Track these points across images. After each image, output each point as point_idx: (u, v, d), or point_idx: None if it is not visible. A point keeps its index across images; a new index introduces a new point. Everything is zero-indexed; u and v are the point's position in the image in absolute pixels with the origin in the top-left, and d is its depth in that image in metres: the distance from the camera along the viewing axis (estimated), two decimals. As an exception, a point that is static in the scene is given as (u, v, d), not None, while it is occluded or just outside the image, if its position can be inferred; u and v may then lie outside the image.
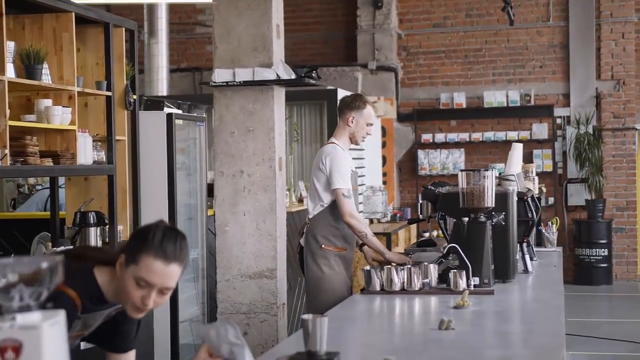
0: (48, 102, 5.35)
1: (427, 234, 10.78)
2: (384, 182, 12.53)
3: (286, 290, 5.94)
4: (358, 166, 10.47)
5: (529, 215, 5.20)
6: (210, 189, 6.83)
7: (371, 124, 5.57)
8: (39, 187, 9.01)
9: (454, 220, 4.70)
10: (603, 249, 12.59)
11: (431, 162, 13.31)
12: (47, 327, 1.84)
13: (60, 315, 1.89)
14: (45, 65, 5.26)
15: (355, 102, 5.56)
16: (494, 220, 4.64)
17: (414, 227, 11.20)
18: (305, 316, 2.87)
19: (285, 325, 5.95)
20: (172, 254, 2.76)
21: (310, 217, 5.53)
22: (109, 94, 5.95)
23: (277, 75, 5.62)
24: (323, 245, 5.43)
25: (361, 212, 10.08)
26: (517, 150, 5.88)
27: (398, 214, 11.08)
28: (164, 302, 2.86)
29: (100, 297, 2.85)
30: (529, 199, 5.24)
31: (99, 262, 2.89)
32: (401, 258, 5.26)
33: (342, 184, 5.32)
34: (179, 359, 6.66)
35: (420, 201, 5.44)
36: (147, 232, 2.79)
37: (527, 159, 12.72)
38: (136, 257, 2.75)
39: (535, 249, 6.04)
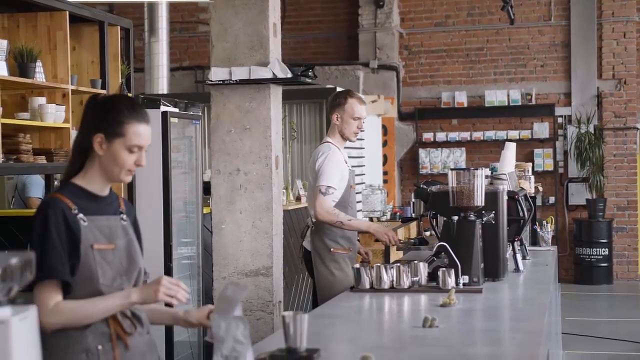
0: (42, 100, 5.38)
1: (428, 233, 10.77)
2: (385, 181, 12.54)
3: (282, 288, 5.94)
4: (358, 164, 10.52)
5: (520, 214, 5.20)
6: (207, 187, 6.85)
7: (358, 118, 5.50)
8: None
9: (444, 218, 4.71)
10: (604, 249, 12.59)
11: (432, 161, 13.31)
12: (16, 322, 1.85)
13: (31, 311, 1.92)
14: (38, 64, 5.29)
15: (336, 99, 5.55)
16: (484, 219, 4.65)
17: (414, 225, 11.21)
18: (285, 313, 2.89)
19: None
20: (146, 115, 3.03)
21: (313, 219, 5.50)
22: (104, 92, 5.98)
23: (274, 73, 5.62)
24: (332, 249, 5.43)
25: (360, 210, 10.13)
26: (510, 150, 5.89)
27: (398, 213, 11.07)
28: None
29: (88, 193, 3.00)
30: (521, 198, 5.24)
31: (71, 176, 3.02)
32: (385, 229, 5.42)
33: (324, 182, 5.33)
34: (173, 356, 6.67)
35: (413, 200, 5.46)
36: (116, 106, 2.99)
37: (528, 158, 12.74)
38: (119, 130, 2.95)
39: (530, 248, 6.04)
